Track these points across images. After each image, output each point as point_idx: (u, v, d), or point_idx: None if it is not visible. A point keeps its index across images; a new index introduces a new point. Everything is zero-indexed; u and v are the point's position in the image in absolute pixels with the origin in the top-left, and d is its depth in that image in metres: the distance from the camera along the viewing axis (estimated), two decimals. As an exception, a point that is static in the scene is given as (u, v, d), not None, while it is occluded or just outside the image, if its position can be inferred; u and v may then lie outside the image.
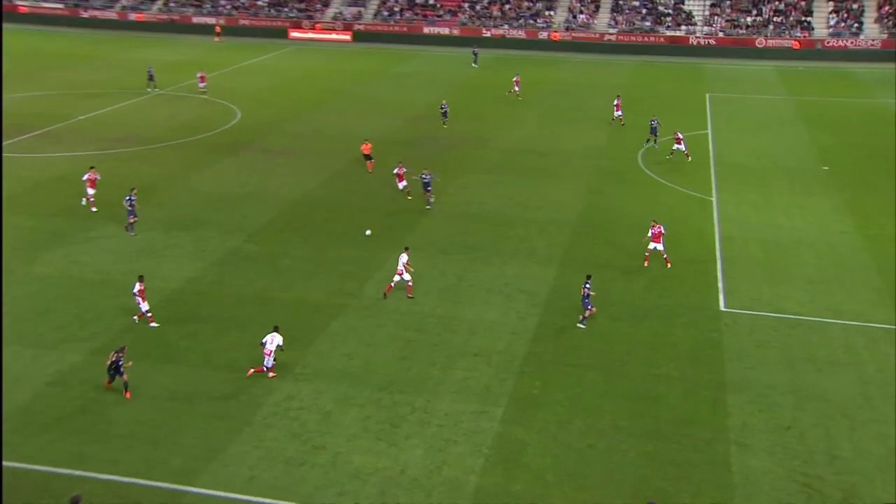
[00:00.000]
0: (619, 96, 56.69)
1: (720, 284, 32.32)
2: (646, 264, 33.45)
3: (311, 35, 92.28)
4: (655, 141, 50.56)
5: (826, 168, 46.99)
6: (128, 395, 24.41)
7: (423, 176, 39.81)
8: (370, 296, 31.22)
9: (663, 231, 33.23)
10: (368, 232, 35.66)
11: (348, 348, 27.46)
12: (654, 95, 64.83)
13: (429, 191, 39.85)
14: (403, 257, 31.00)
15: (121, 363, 24.38)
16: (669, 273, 33.00)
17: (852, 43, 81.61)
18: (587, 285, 28.94)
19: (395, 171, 40.66)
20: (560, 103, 62.70)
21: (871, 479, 21.49)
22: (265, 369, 25.65)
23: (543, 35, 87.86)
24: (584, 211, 40.16)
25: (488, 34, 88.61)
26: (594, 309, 29.01)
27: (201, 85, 64.17)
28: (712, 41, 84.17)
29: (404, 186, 40.47)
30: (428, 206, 39.65)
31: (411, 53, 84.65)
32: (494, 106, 61.85)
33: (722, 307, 30.55)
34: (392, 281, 31.02)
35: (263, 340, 25.72)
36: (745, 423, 23.77)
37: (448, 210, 40.17)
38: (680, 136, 47.90)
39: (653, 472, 21.76)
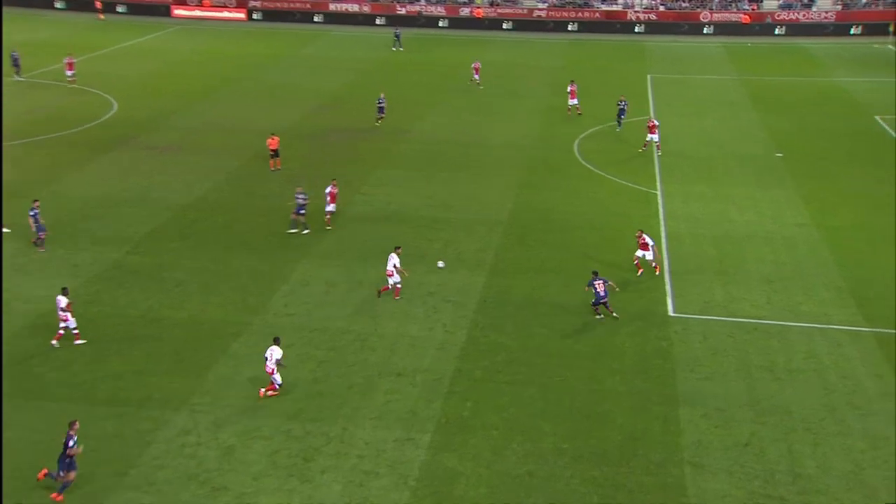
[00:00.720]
0: (573, 81, 56.89)
1: (668, 287, 33.07)
2: (639, 273, 33.73)
3: (198, 13, 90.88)
4: (619, 123, 51.96)
5: (780, 154, 48.58)
6: (59, 497, 21.62)
7: (298, 196, 37.64)
8: (276, 311, 30.91)
9: (648, 241, 33.57)
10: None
11: (252, 372, 27.10)
12: (591, 77, 65.91)
13: (302, 213, 37.16)
14: (394, 258, 31.53)
15: (72, 444, 21.55)
16: (613, 277, 33.50)
17: (804, 16, 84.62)
18: (606, 281, 30.09)
19: (328, 189, 37.72)
20: (488, 88, 63.24)
21: (837, 498, 22.24)
22: (277, 387, 25.89)
23: (465, 11, 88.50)
24: (515, 209, 40.59)
25: (402, 11, 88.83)
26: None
27: (69, 73, 62.34)
28: (652, 16, 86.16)
29: (331, 211, 37.70)
30: (304, 231, 37.30)
31: (316, 34, 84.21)
32: (415, 92, 62.00)
33: (671, 312, 31.25)
34: (388, 283, 31.73)
35: (265, 355, 25.96)
36: (700, 440, 24.35)
37: (364, 211, 40.09)
38: (655, 122, 48.52)
39: (600, 500, 22.08)
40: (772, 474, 23.05)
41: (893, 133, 52.33)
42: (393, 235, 37.06)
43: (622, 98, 52.89)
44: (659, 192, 42.87)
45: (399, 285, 31.75)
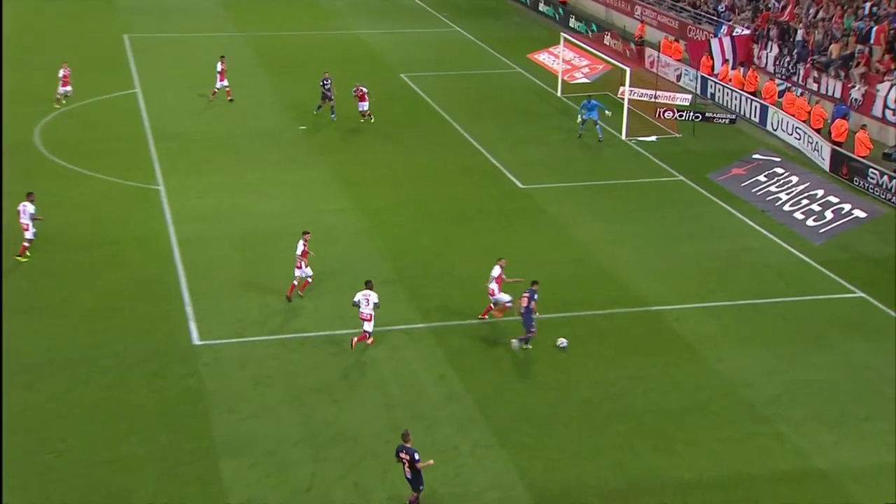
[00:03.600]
0: (222, 57, 54.21)
1: (188, 309, 32.92)
2: (483, 316, 32.62)
3: None
4: (333, 108, 51.50)
5: (303, 127, 50.57)
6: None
7: None
8: None
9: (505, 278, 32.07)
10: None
11: None
12: (51, 41, 63.78)
13: None
14: (300, 245, 33.27)
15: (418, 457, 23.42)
16: (113, 306, 32.52)
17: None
18: (532, 296, 30.26)
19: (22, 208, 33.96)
20: None
21: (408, 535, 23.71)
22: (368, 335, 30.28)
23: None
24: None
25: None
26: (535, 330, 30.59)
27: None
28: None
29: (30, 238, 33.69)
30: None
31: None
32: None
33: (195, 341, 31.17)
34: (294, 279, 33.45)
35: (355, 300, 30.10)
36: (251, 497, 24.45)
37: None
38: (364, 90, 50.67)
39: None
40: (339, 519, 23.89)
41: (422, 92, 56.89)
42: None
43: (326, 76, 51.87)
44: (161, 188, 42.54)
45: (309, 279, 33.84)
